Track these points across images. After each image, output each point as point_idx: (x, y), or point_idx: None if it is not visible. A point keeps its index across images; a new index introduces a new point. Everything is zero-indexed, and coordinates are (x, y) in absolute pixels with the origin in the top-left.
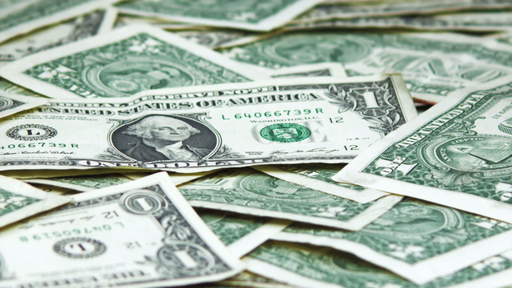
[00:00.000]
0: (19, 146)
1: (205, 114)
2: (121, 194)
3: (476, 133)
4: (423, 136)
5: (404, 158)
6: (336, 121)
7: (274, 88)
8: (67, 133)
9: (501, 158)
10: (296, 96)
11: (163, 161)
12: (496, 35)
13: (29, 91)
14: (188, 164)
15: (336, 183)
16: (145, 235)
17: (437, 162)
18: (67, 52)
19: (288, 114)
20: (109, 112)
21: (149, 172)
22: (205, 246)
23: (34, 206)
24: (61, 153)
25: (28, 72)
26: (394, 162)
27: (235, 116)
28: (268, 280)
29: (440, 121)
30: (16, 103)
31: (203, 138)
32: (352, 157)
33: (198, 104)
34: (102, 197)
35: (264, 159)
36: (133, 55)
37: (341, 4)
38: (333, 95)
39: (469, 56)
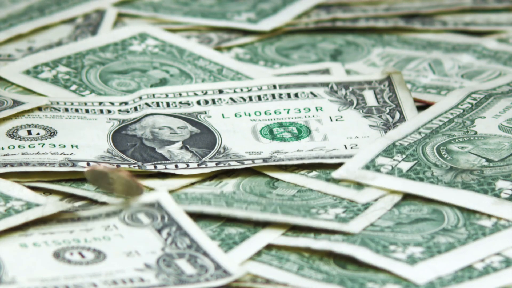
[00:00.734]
0: (19, 147)
1: (205, 113)
2: (121, 211)
3: (476, 133)
4: (423, 135)
5: (404, 156)
6: (336, 120)
7: (274, 87)
8: (67, 133)
9: (501, 157)
10: (296, 95)
11: (163, 162)
12: (496, 35)
13: (29, 91)
14: (188, 165)
15: (336, 182)
16: (145, 245)
17: (437, 160)
18: (67, 52)
19: (288, 112)
20: (109, 111)
21: (149, 175)
22: (205, 253)
23: (34, 211)
24: (61, 154)
25: (28, 72)
26: (394, 160)
27: (235, 115)
28: (268, 281)
29: (440, 120)
30: (16, 103)
31: (203, 138)
32: (352, 156)
33: (198, 102)
34: (102, 214)
35: (264, 160)
36: (133, 54)
37: (341, 4)
38: (333, 93)
39: (469, 56)
